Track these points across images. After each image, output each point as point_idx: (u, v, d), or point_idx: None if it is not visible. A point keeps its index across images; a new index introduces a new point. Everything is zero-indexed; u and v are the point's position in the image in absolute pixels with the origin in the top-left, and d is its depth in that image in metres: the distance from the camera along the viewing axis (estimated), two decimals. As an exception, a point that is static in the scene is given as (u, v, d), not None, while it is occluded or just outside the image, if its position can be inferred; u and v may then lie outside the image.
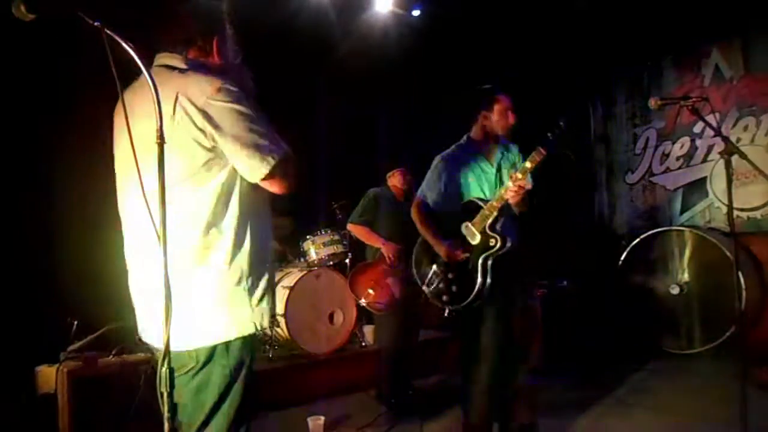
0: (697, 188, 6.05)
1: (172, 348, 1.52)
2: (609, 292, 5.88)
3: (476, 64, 6.08)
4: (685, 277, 5.37)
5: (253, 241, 1.68)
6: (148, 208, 1.35)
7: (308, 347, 4.56)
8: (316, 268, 4.86)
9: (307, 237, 5.02)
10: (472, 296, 2.79)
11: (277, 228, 4.98)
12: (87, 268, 3.97)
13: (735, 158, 2.47)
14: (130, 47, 1.32)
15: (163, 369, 1.35)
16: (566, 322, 5.07)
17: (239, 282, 1.65)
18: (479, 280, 2.78)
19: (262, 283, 1.71)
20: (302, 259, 5.11)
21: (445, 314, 2.95)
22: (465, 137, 3.13)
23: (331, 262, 5.09)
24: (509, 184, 2.69)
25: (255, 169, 1.62)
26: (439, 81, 6.16)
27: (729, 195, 2.42)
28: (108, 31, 1.30)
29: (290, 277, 4.76)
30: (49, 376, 3.27)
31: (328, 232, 5.01)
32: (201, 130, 1.57)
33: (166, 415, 1.35)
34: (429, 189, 3.09)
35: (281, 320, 4.49)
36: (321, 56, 5.48)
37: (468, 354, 2.93)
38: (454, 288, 2.88)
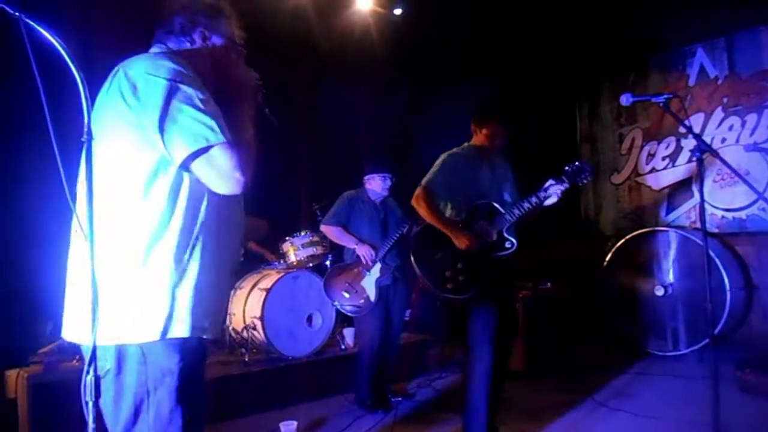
0: (682, 188, 6.01)
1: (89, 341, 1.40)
2: (594, 294, 5.82)
3: (460, 65, 6.04)
4: (670, 277, 5.32)
5: (184, 237, 1.52)
6: (71, 204, 1.32)
7: (286, 350, 4.49)
8: (294, 270, 4.79)
9: (286, 238, 4.95)
10: (478, 289, 2.91)
11: (253, 230, 4.95)
12: (65, 269, 3.85)
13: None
14: (54, 39, 1.26)
15: (89, 377, 1.28)
16: (550, 324, 5.00)
17: (163, 280, 1.49)
18: (488, 275, 2.94)
19: (195, 284, 1.53)
20: (281, 261, 5.04)
21: (438, 303, 3.10)
22: (467, 144, 3.31)
23: (311, 264, 5.02)
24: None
25: (180, 146, 1.45)
26: (421, 81, 6.11)
27: (701, 194, 2.38)
28: (28, 21, 1.25)
29: (267, 279, 4.68)
30: (14, 380, 3.20)
31: (308, 233, 4.94)
32: (125, 100, 1.47)
33: (90, 425, 1.28)
34: (437, 181, 3.11)
35: (258, 323, 4.41)
36: (301, 56, 5.40)
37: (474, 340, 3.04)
38: (461, 278, 2.93)
